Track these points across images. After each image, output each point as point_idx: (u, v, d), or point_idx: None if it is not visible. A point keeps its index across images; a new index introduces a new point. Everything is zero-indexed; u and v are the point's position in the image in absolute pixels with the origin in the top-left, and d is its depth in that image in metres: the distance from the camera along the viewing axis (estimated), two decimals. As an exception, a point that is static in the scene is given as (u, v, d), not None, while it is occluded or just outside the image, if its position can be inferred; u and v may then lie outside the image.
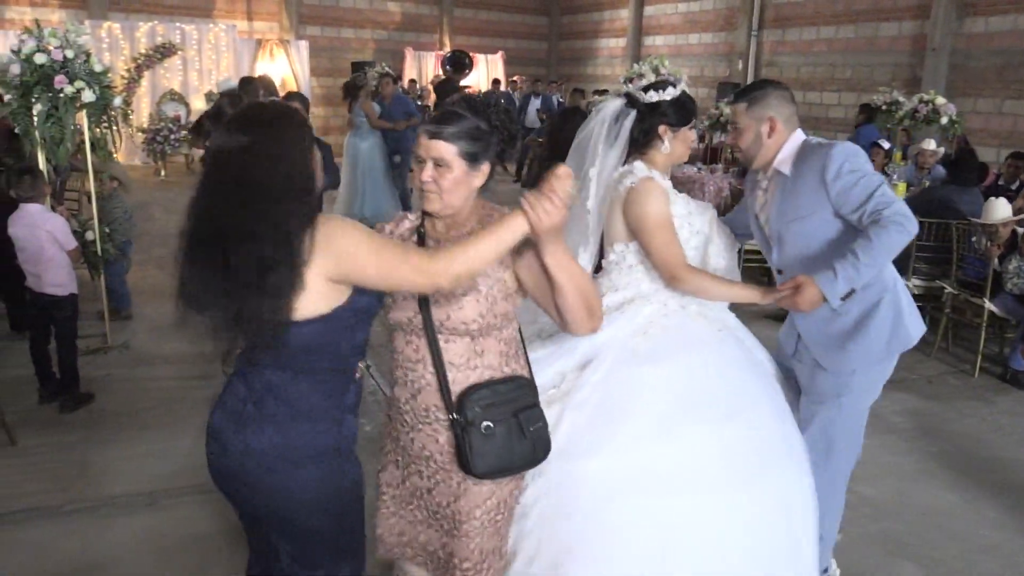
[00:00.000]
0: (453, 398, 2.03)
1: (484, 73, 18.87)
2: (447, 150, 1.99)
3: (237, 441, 1.95)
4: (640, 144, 2.74)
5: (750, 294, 2.70)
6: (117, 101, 5.44)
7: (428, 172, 2.01)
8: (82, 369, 4.79)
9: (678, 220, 2.69)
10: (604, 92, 11.08)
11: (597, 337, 2.51)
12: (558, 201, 1.78)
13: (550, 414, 2.37)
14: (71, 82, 5.00)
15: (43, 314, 4.65)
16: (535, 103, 15.17)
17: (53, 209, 4.92)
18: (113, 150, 5.70)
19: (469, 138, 2.01)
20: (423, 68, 18.30)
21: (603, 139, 2.76)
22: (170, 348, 5.61)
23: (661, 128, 2.71)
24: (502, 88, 16.64)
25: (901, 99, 9.84)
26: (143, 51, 14.61)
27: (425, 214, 2.15)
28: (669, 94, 2.71)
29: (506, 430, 2.05)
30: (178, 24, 15.11)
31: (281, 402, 1.93)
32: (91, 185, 5.58)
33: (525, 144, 15.04)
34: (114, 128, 5.55)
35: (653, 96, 2.71)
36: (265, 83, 8.73)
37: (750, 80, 14.97)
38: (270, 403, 1.93)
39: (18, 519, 3.52)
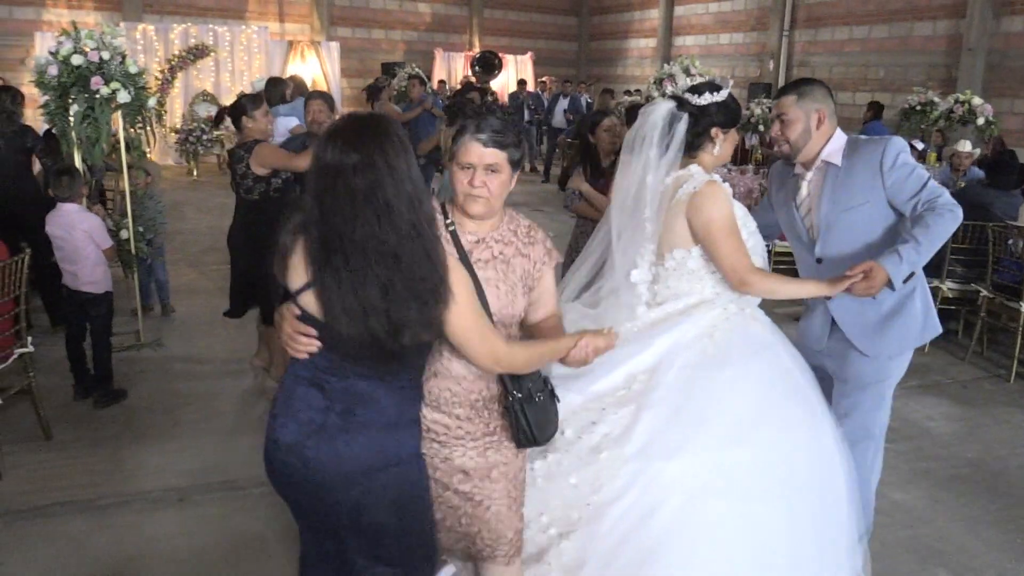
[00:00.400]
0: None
1: (513, 74, 18.89)
2: (501, 156, 2.13)
3: (325, 451, 1.95)
4: (691, 147, 2.74)
5: (818, 288, 2.75)
6: (151, 102, 5.50)
7: (480, 178, 2.12)
8: (116, 366, 4.86)
9: (738, 223, 2.70)
10: (637, 92, 11.03)
11: (663, 341, 2.60)
12: (595, 358, 2.17)
13: (623, 413, 2.48)
14: (107, 83, 5.07)
15: (79, 311, 4.72)
16: (563, 104, 15.16)
17: (89, 208, 4.99)
18: (147, 150, 5.78)
19: (515, 146, 2.16)
20: (452, 69, 18.38)
21: (655, 144, 2.71)
22: (202, 346, 5.69)
23: (714, 131, 2.73)
24: (529, 89, 16.62)
25: (936, 99, 9.70)
26: (177, 52, 14.80)
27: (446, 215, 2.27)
28: (720, 96, 2.72)
29: (546, 397, 2.23)
30: (211, 26, 15.30)
31: (373, 410, 1.97)
32: (125, 184, 5.65)
33: (553, 145, 15.05)
34: (148, 128, 5.62)
35: (707, 98, 2.70)
36: (297, 83, 8.80)
37: (782, 81, 14.86)
38: (360, 412, 1.96)
39: (53, 512, 3.58)
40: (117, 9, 15.33)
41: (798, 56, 14.97)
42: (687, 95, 2.73)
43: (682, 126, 2.70)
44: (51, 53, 5.11)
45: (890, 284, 2.63)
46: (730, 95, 2.77)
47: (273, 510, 3.63)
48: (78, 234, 4.58)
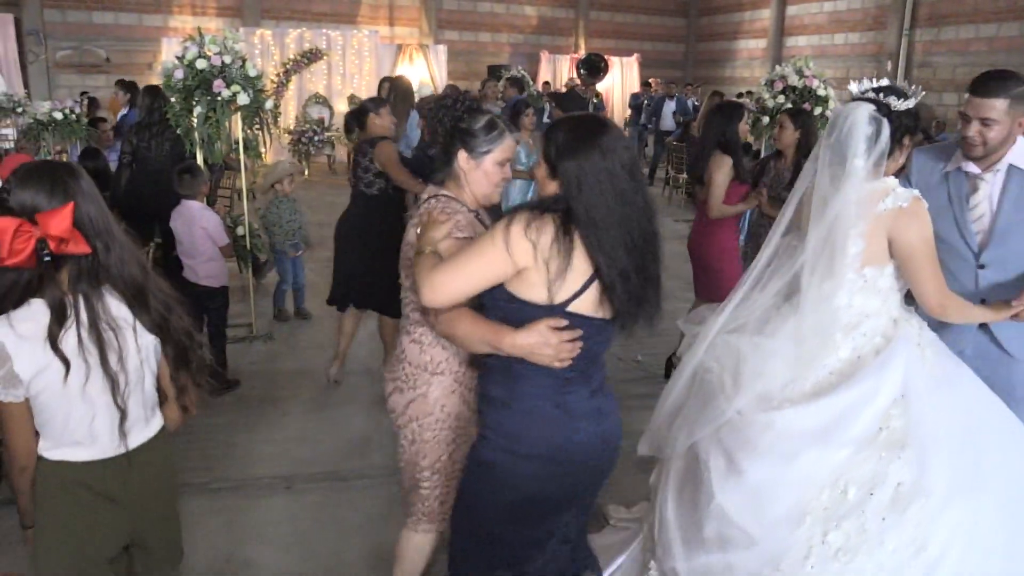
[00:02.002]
0: None
1: (619, 76, 18.77)
2: None
3: (613, 425, 2.20)
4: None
5: (999, 313, 2.59)
6: (268, 104, 5.71)
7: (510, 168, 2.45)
8: (229, 356, 5.07)
9: None
10: (748, 94, 10.78)
11: (895, 367, 2.43)
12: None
13: (907, 457, 2.31)
14: (228, 86, 5.30)
15: (197, 303, 4.94)
16: (669, 106, 14.95)
17: (211, 206, 5.22)
18: (263, 150, 6.01)
19: None
20: (558, 71, 18.40)
21: (863, 153, 2.44)
22: (310, 340, 5.87)
23: (906, 139, 2.54)
24: (652, 92, 16.35)
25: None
26: (292, 56, 15.33)
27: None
28: (912, 102, 2.52)
29: None
30: (324, 30, 15.78)
31: (602, 373, 2.23)
32: (243, 182, 5.89)
33: (660, 148, 14.85)
34: (265, 129, 5.84)
35: (910, 102, 2.51)
36: (395, 85, 8.95)
37: (899, 82, 14.26)
38: (602, 378, 2.22)
39: (170, 494, 3.76)
40: (237, 15, 16.00)
41: (919, 56, 14.34)
42: (890, 98, 2.49)
43: (887, 132, 2.45)
44: (178, 58, 5.38)
45: None
46: None
47: (375, 502, 3.72)
48: (197, 230, 4.79)
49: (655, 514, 2.81)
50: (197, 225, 4.80)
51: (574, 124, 2.07)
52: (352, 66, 15.80)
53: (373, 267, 4.64)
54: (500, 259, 1.96)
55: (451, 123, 2.48)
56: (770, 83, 6.34)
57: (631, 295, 1.99)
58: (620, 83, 18.58)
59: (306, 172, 14.35)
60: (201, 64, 5.26)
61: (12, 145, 9.53)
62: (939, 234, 2.81)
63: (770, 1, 17.85)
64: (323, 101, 15.39)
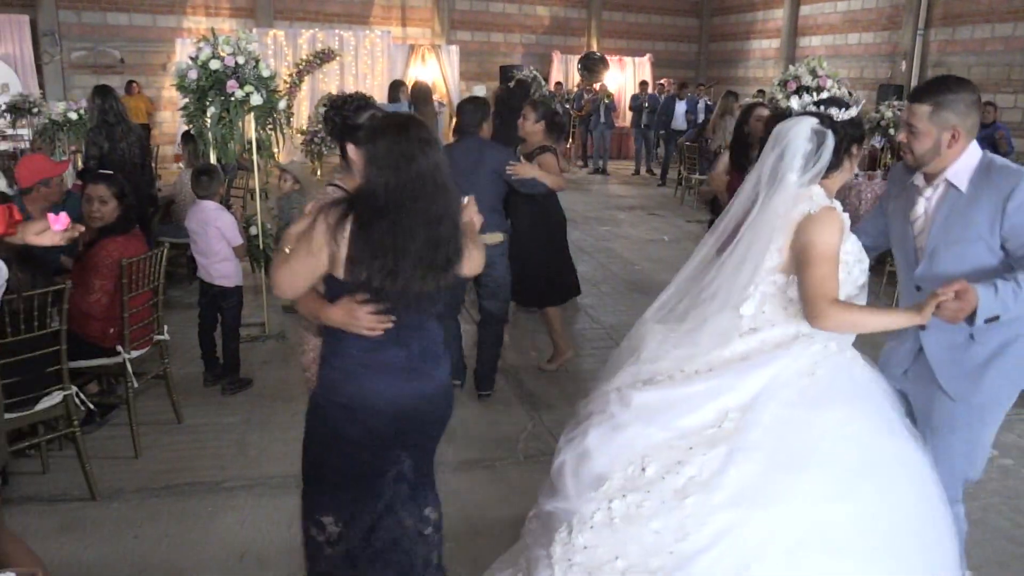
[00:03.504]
0: None
1: (631, 76, 18.75)
2: None
3: (442, 377, 2.52)
4: (831, 167, 2.48)
5: (908, 318, 2.44)
6: (281, 104, 5.73)
7: None
8: (241, 355, 5.08)
9: (845, 259, 2.48)
10: (760, 93, 10.76)
11: (759, 376, 2.42)
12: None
13: (713, 455, 2.34)
14: (241, 86, 5.32)
15: (211, 303, 4.97)
16: (680, 106, 14.93)
17: (229, 207, 5.24)
18: (276, 150, 6.03)
19: None
20: (570, 71, 18.39)
21: (799, 168, 2.44)
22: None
23: (854, 148, 2.51)
24: (649, 91, 16.34)
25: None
26: (304, 56, 15.37)
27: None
28: (855, 111, 2.50)
29: None
30: (337, 31, 15.83)
31: (433, 339, 2.51)
32: (256, 183, 5.91)
33: (671, 148, 14.83)
34: (278, 130, 5.86)
35: (851, 112, 2.49)
36: (413, 87, 8.99)
37: (914, 83, 14.19)
38: (429, 344, 2.48)
39: (184, 491, 3.78)
40: (250, 16, 16.05)
41: (933, 56, 14.25)
42: (832, 110, 2.48)
43: (831, 144, 2.43)
44: (191, 58, 5.40)
45: (971, 318, 2.33)
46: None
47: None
48: (211, 230, 4.82)
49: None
50: (212, 225, 4.83)
51: (388, 117, 2.40)
52: (364, 66, 15.86)
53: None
54: (312, 260, 2.28)
55: (340, 120, 2.70)
56: (783, 83, 6.32)
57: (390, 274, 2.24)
58: (632, 83, 18.54)
59: (318, 172, 14.40)
60: (215, 65, 5.28)
61: (27, 145, 9.61)
62: (896, 247, 2.79)
63: (783, 1, 17.78)
64: (335, 101, 15.43)
